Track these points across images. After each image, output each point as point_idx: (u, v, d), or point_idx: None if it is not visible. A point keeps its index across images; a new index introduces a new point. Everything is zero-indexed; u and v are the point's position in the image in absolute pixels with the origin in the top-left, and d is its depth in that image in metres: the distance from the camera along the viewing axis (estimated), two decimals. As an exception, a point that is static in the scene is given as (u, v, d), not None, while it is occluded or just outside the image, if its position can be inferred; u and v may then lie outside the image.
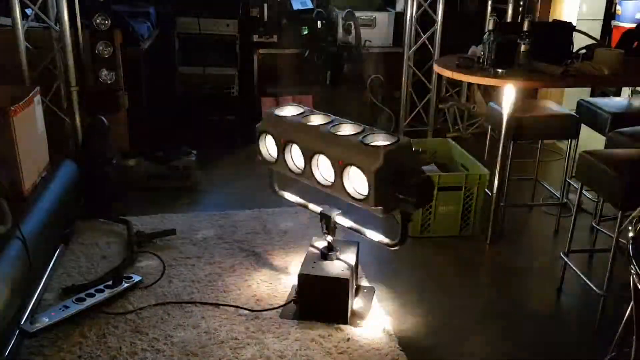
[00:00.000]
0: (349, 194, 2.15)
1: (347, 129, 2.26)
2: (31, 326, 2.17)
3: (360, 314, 2.41)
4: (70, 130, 3.44)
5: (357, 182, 2.14)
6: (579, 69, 2.87)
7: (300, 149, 2.29)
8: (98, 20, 3.26)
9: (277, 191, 2.69)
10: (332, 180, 2.20)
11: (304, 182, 2.35)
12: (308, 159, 2.26)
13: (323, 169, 2.26)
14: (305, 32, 4.67)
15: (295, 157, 2.36)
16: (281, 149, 2.35)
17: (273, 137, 2.38)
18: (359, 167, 2.07)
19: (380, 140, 2.14)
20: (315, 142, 2.23)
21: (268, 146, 2.45)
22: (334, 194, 2.23)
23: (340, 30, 4.72)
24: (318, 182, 2.26)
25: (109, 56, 3.33)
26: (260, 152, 2.47)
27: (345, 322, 2.34)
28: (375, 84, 4.81)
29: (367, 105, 4.78)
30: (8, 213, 2.17)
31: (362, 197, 2.11)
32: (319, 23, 4.68)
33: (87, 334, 2.24)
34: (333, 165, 2.17)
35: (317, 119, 2.36)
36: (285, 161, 2.36)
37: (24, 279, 2.19)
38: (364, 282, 2.67)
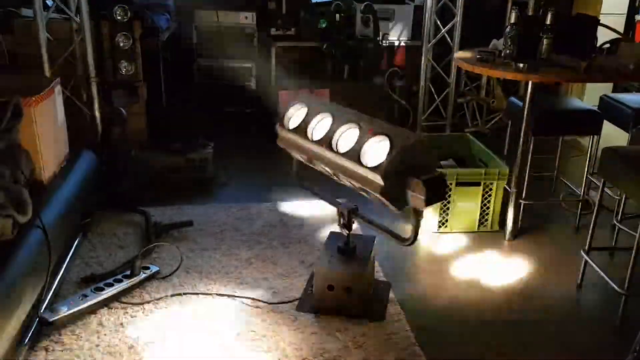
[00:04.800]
0: (361, 163, 2.13)
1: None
2: (51, 315, 2.19)
3: (376, 309, 2.40)
4: (90, 121, 3.47)
5: (372, 156, 2.13)
6: (602, 64, 2.82)
7: (333, 117, 2.28)
8: (118, 12, 3.28)
9: (301, 183, 2.64)
10: (350, 147, 2.18)
11: (311, 151, 2.32)
12: (333, 130, 2.24)
13: (343, 141, 2.24)
14: (324, 25, 4.64)
15: (318, 128, 2.34)
16: (311, 117, 2.34)
17: (307, 108, 2.38)
18: (388, 138, 2.07)
19: None
20: (349, 115, 2.26)
21: (296, 115, 2.42)
22: (339, 164, 2.21)
23: (358, 23, 4.69)
24: (331, 149, 2.24)
25: (128, 48, 3.36)
26: (283, 119, 2.43)
27: (361, 317, 2.33)
28: (393, 77, 4.78)
29: (384, 99, 4.74)
30: (29, 202, 2.19)
31: (374, 165, 2.08)
32: (337, 16, 4.65)
33: (105, 323, 2.26)
34: (361, 132, 2.16)
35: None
36: (306, 130, 2.34)
37: (43, 268, 2.21)
38: (381, 277, 2.65)
